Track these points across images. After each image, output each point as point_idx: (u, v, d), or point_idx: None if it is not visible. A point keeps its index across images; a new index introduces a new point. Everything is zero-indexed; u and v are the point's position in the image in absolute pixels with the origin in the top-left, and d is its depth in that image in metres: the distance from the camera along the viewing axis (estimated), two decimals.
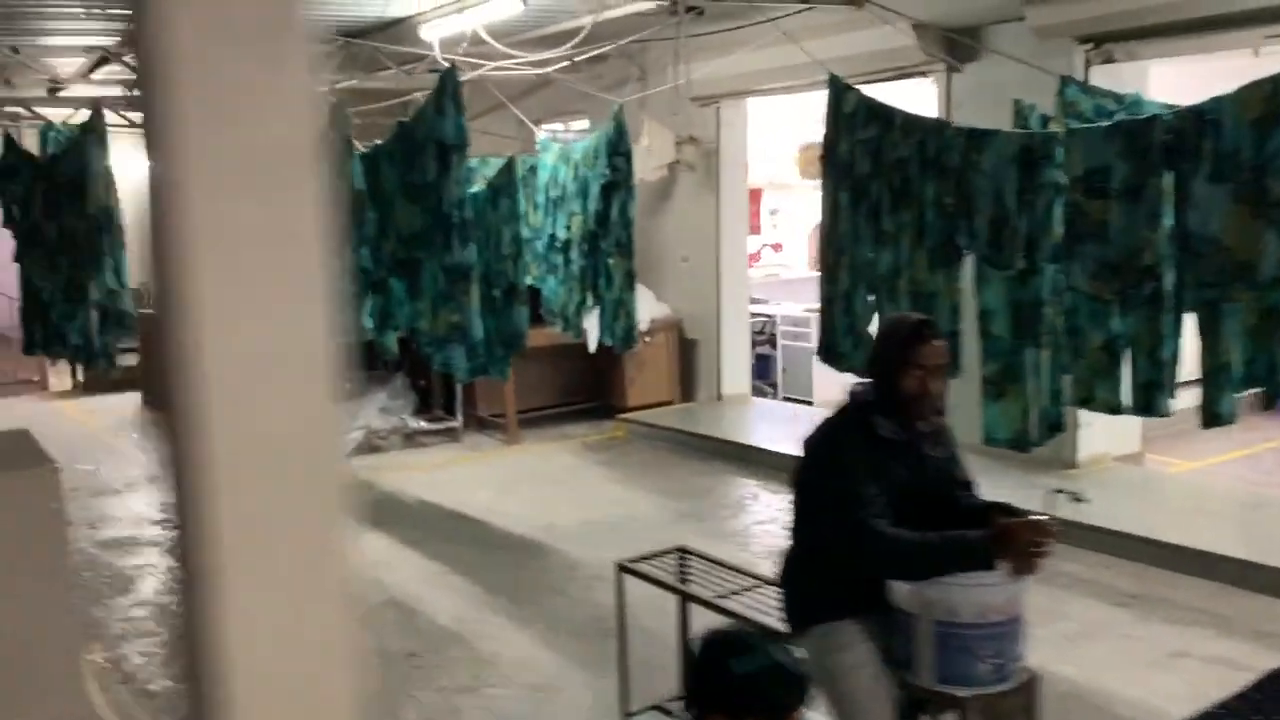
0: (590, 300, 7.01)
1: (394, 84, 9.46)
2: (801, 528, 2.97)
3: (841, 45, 7.98)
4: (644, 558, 3.98)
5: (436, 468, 8.17)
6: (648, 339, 9.13)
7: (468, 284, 5.60)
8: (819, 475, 2.88)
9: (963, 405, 6.86)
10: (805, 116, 13.30)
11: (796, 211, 14.41)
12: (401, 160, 5.73)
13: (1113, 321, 4.38)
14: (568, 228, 7.11)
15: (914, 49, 7.43)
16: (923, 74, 7.69)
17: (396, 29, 8.18)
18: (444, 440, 8.94)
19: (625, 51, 9.18)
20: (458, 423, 8.97)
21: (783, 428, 8.67)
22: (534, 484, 7.62)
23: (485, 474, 7.95)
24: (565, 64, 8.26)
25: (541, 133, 11.92)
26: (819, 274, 5.48)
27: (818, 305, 10.47)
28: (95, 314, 5.82)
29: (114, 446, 8.80)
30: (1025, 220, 4.52)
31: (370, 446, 8.55)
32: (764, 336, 10.55)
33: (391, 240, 5.83)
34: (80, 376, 11.53)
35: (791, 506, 3.03)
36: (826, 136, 5.34)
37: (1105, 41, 6.51)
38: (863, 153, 5.15)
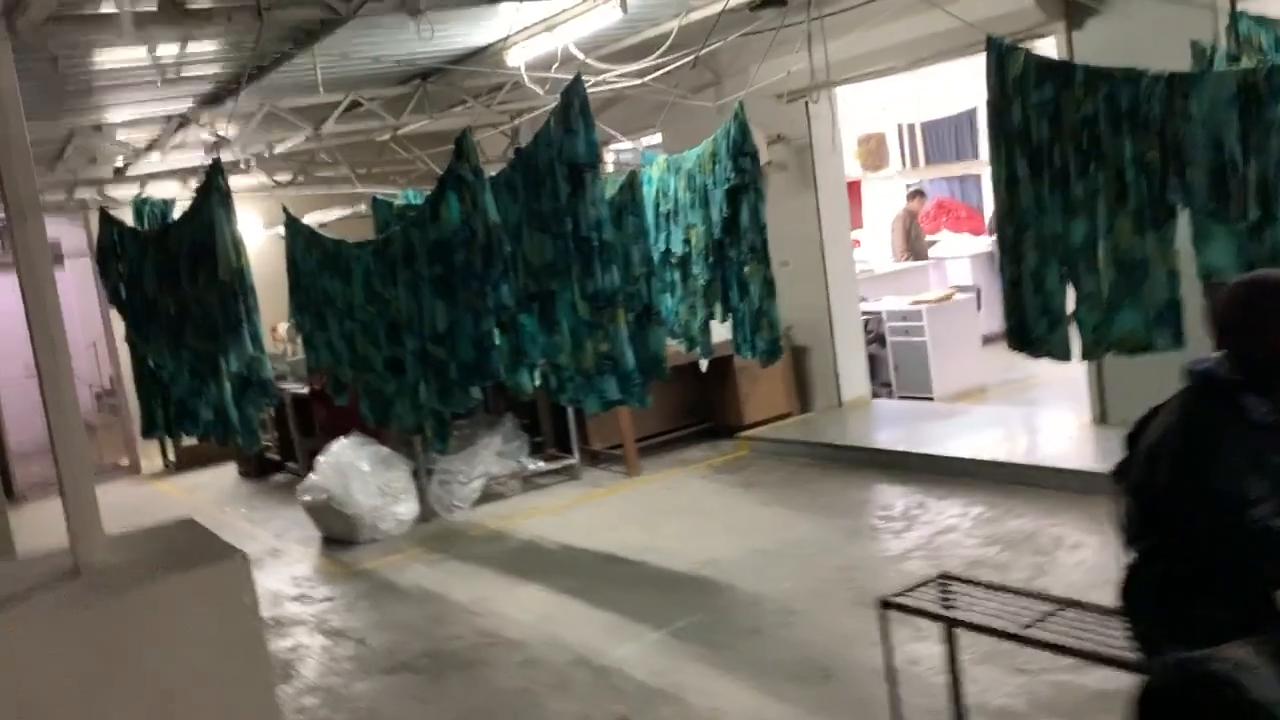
0: (720, 314, 6.59)
1: (469, 120, 9.12)
2: (1163, 539, 2.52)
3: (941, 19, 7.56)
4: (904, 591, 3.52)
5: (566, 508, 7.76)
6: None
7: (614, 309, 5.19)
8: (1187, 475, 2.42)
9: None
10: (862, 108, 12.89)
11: (866, 204, 13.95)
12: (525, 189, 5.35)
13: None
14: (685, 241, 6.70)
15: (1029, 10, 6.99)
16: (1039, 36, 7.23)
17: (473, 60, 7.85)
18: (563, 479, 8.54)
19: (697, 56, 8.82)
20: (575, 460, 8.57)
21: (920, 427, 8.20)
22: (678, 516, 7.19)
23: (620, 510, 7.53)
24: (638, 77, 7.91)
25: (610, 152, 11.56)
26: (998, 254, 5.01)
27: (976, 286, 10.01)
28: (230, 385, 5.47)
29: (223, 522, 8.48)
30: (1255, 166, 4.05)
31: (492, 494, 8.18)
32: (871, 335, 10.05)
33: (520, 274, 5.45)
34: (171, 455, 11.29)
35: (1138, 514, 2.58)
36: (992, 104, 4.88)
37: None
38: (1039, 117, 4.69)
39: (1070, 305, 4.81)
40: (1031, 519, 6.03)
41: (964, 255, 12.91)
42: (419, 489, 7.83)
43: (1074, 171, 4.65)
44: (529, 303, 5.56)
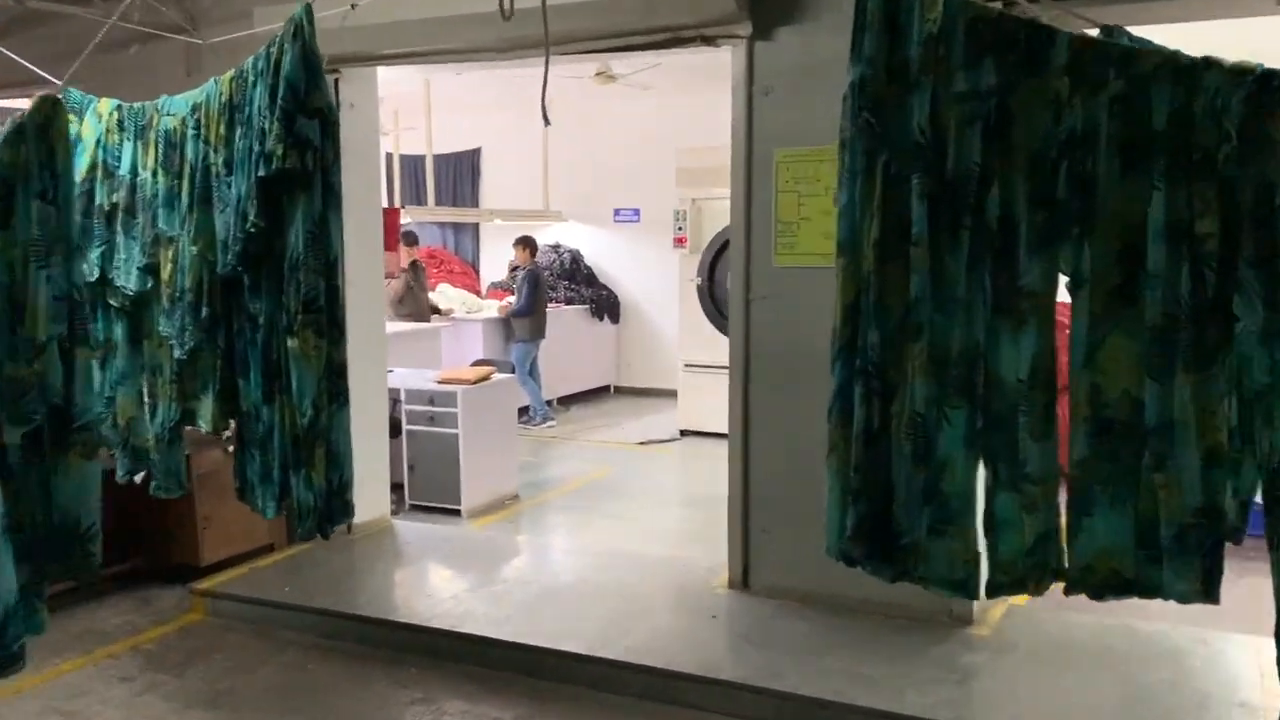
0: (210, 416, 3.41)
1: None
2: None
3: None
4: None
5: None
6: (231, 449, 5.47)
7: None
8: None
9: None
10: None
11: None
12: None
13: None
14: (147, 270, 3.44)
15: (694, 3, 4.79)
16: (708, 42, 5.07)
17: None
18: None
19: None
20: None
21: (480, 580, 5.49)
22: None
23: None
24: None
25: None
26: (839, 372, 2.59)
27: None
28: None
29: None
30: None
31: None
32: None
33: None
34: None
35: None
36: (862, 86, 2.48)
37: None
38: (966, 124, 2.40)
39: (983, 491, 2.53)
40: None
41: (477, 319, 10.59)
42: None
43: (1027, 237, 2.40)
44: None
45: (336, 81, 6.01)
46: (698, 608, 5.05)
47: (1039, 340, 2.42)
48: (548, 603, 5.15)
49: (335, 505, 3.10)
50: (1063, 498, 2.46)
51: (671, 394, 10.23)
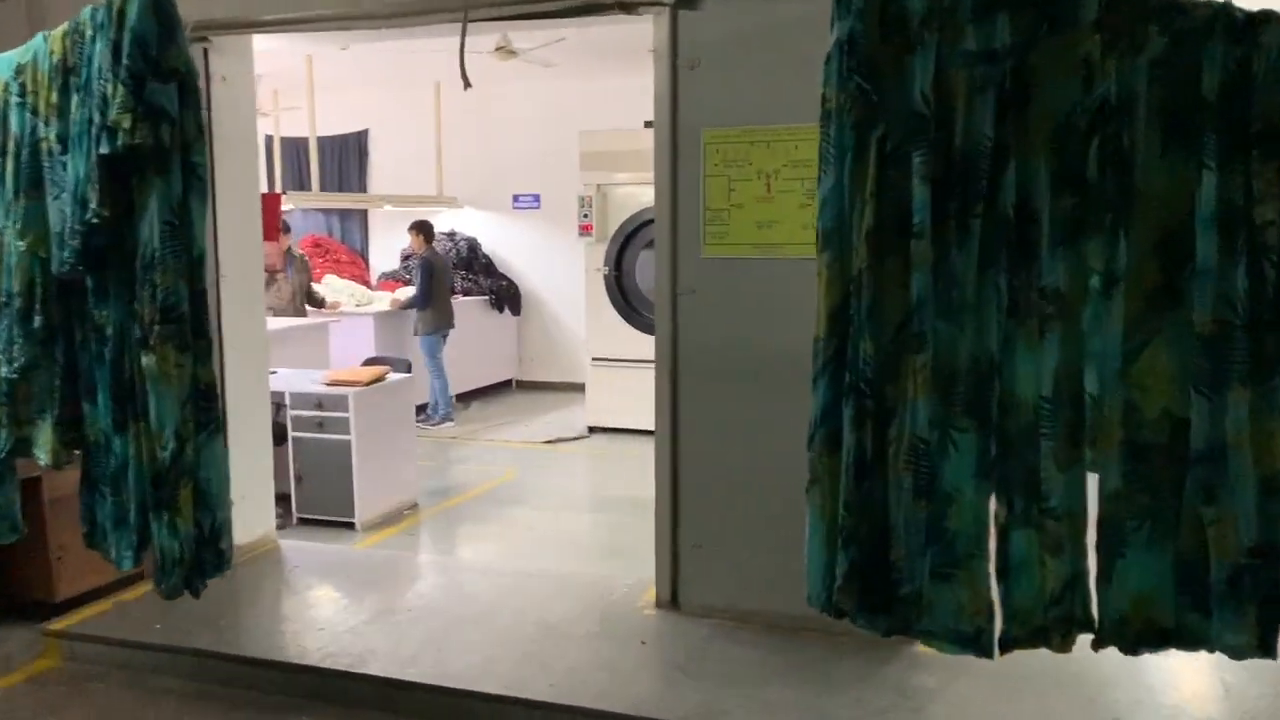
0: (47, 448, 2.82)
1: None
2: None
3: None
4: None
5: None
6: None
7: None
8: None
9: None
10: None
11: None
12: None
13: None
14: None
15: None
16: (627, 9, 4.59)
17: None
18: None
19: None
20: None
21: (389, 607, 4.92)
22: None
23: None
24: None
25: None
26: (823, 388, 2.17)
27: None
28: None
29: None
30: None
31: None
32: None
33: None
34: None
35: None
36: (852, 44, 2.06)
37: None
38: (977, 93, 1.99)
39: (996, 529, 2.14)
40: None
41: (367, 312, 9.94)
42: None
43: (1050, 227, 2.02)
44: None
45: (206, 51, 5.35)
46: (625, 633, 4.60)
47: (1063, 351, 2.03)
48: (458, 634, 4.62)
49: (206, 556, 2.56)
50: (1091, 537, 2.09)
51: (577, 388, 9.78)
